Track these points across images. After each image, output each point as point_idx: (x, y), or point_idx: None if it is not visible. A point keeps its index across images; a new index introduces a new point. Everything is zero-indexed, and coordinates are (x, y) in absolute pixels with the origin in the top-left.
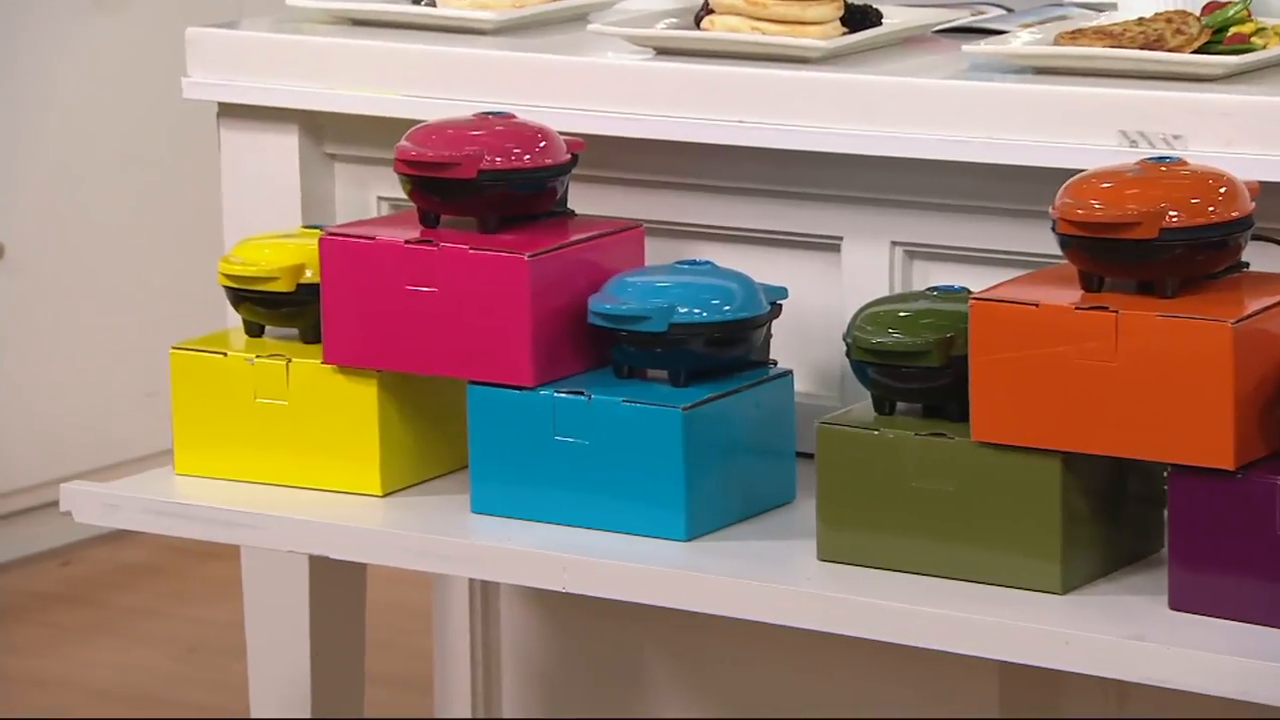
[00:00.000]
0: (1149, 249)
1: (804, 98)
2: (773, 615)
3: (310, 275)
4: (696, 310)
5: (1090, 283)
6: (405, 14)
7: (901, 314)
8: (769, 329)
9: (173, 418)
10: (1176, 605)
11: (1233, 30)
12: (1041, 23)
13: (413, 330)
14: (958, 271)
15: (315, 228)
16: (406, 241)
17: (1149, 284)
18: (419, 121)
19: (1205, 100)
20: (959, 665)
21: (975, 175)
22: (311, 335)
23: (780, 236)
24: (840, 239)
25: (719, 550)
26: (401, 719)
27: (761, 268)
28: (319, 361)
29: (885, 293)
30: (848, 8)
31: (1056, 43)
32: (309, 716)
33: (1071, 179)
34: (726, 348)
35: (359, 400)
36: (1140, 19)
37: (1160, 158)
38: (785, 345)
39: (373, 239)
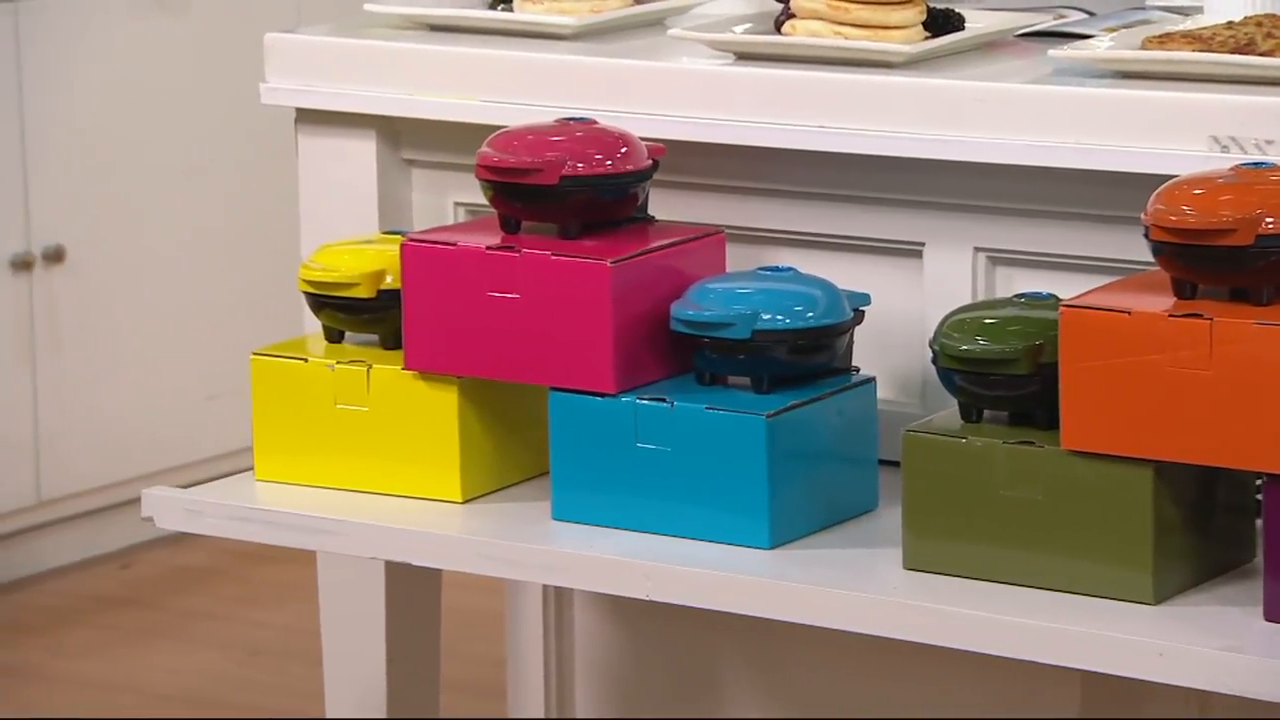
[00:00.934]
0: (1244, 256)
1: (886, 103)
2: (860, 624)
3: (391, 281)
4: (780, 317)
5: (1183, 290)
6: (482, 19)
7: (988, 321)
8: (852, 336)
9: (253, 423)
10: (1272, 616)
11: None
12: (1125, 26)
13: (494, 336)
14: (1040, 278)
15: (395, 233)
16: (488, 248)
17: (1243, 291)
18: (496, 127)
19: None
20: (1039, 668)
21: (1060, 180)
22: (391, 341)
23: (862, 242)
24: (922, 245)
25: (803, 559)
26: None
27: (842, 274)
28: (399, 368)
29: (967, 299)
30: (930, 12)
31: (1144, 47)
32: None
33: (1164, 185)
34: (810, 354)
35: (439, 406)
36: (1229, 23)
37: (1254, 163)
38: (866, 351)
39: (454, 245)
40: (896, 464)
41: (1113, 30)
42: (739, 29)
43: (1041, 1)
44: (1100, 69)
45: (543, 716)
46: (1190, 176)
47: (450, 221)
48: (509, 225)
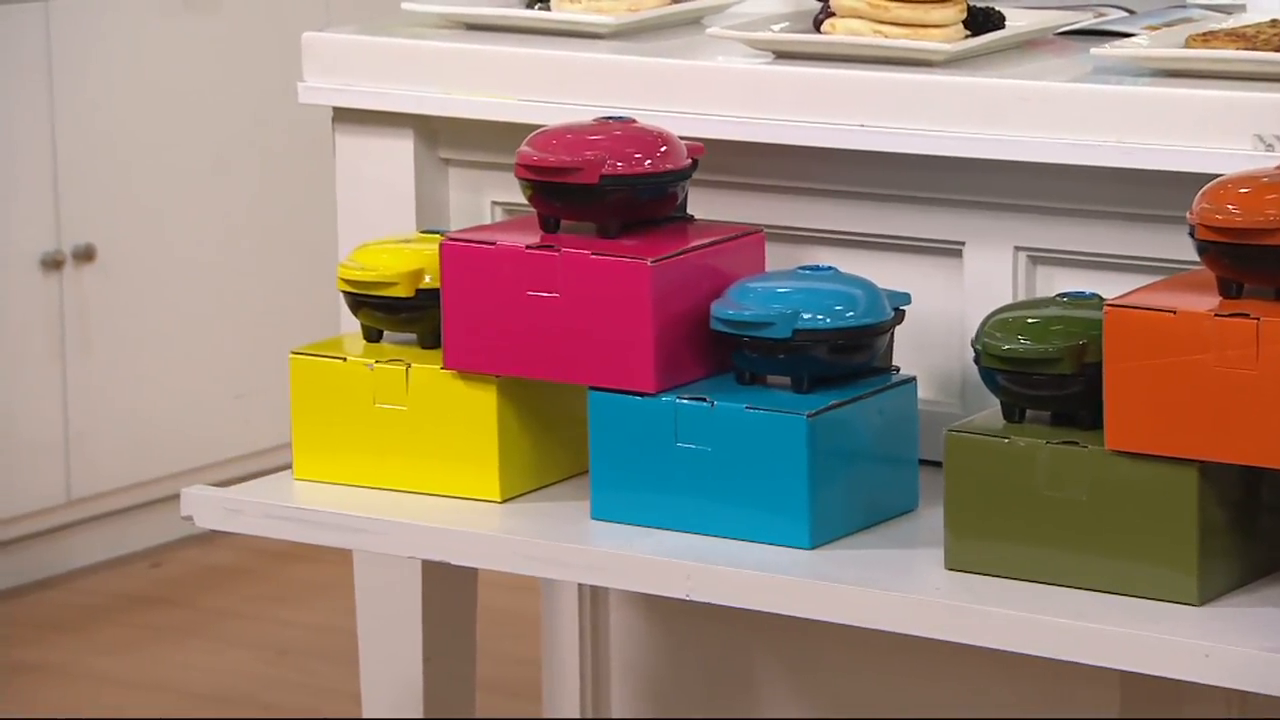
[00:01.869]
0: None
1: (926, 101)
2: (902, 625)
3: (429, 280)
4: (820, 316)
5: (1228, 289)
6: (520, 18)
7: (1031, 320)
8: (892, 335)
9: (292, 422)
10: None
11: None
12: (1167, 24)
13: (533, 335)
14: (1081, 277)
15: (433, 232)
16: (528, 247)
17: None
18: (534, 126)
19: None
20: (1077, 668)
21: (1102, 180)
22: (430, 340)
23: (901, 241)
24: (962, 244)
25: (844, 559)
26: None
27: (882, 273)
28: (438, 367)
29: (1007, 299)
30: (970, 11)
31: (1187, 45)
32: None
33: (1209, 184)
34: (850, 354)
35: (478, 406)
36: (1274, 21)
37: None
38: (906, 351)
39: (493, 244)
40: (936, 464)
41: (1154, 28)
42: (777, 27)
43: (1082, 0)
44: (1142, 67)
45: (578, 716)
46: (1235, 175)
47: (487, 221)
48: (548, 224)
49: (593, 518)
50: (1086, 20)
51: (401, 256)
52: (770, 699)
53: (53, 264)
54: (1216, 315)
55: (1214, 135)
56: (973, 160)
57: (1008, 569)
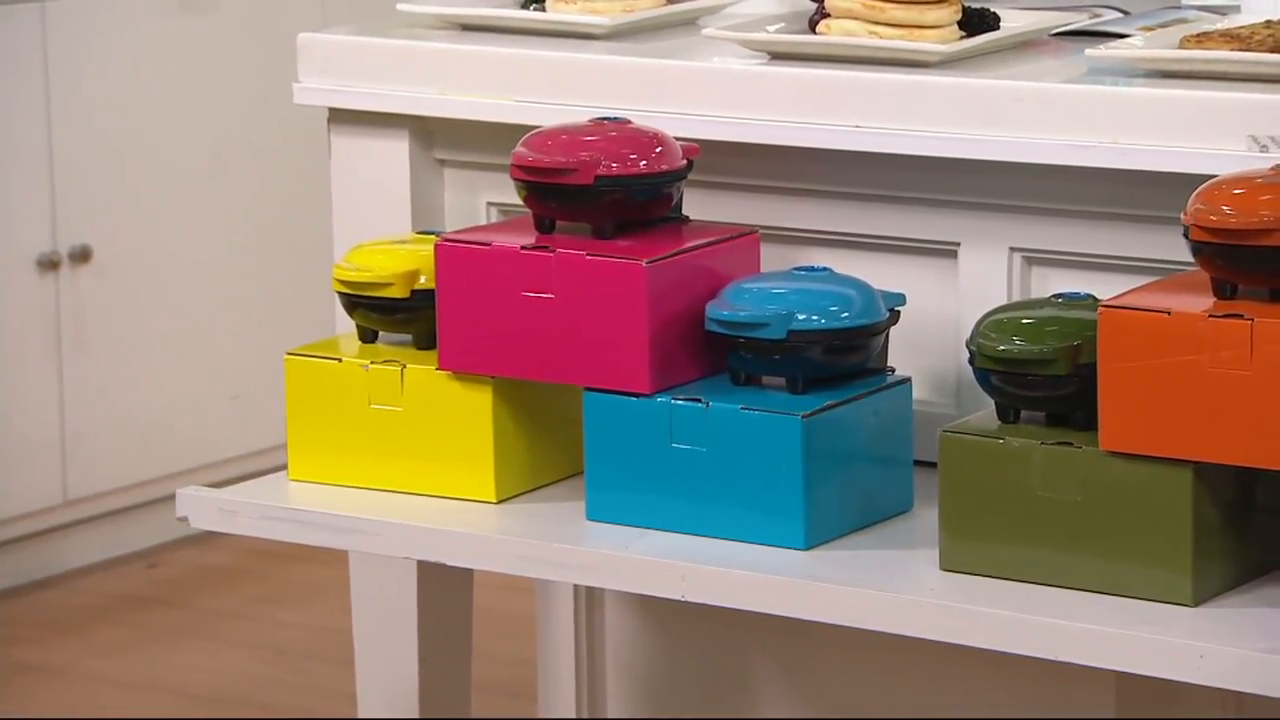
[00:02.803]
0: None
1: (922, 102)
2: (897, 626)
3: (424, 281)
4: (815, 317)
5: (1222, 290)
6: (515, 19)
7: (1026, 321)
8: (887, 336)
9: (287, 423)
10: None
11: None
12: (1162, 25)
13: (528, 336)
14: (1077, 278)
15: (428, 233)
16: (523, 248)
17: None
18: (529, 127)
19: None
20: (1073, 668)
21: (1097, 180)
22: (425, 341)
23: (897, 242)
24: (957, 245)
25: (839, 559)
26: None
27: (877, 274)
28: (433, 368)
29: (1002, 299)
30: (965, 11)
31: (1182, 46)
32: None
33: (1204, 185)
34: (845, 355)
35: (474, 406)
36: (1268, 21)
37: None
38: (901, 351)
39: (488, 245)
40: (931, 465)
41: (1149, 29)
42: (773, 28)
43: (1076, 1)
44: (1137, 68)
45: (574, 717)
46: (1230, 176)
47: (483, 221)
48: (543, 225)
49: (588, 518)
50: (1081, 21)
51: (397, 257)
52: (766, 699)
53: (49, 265)
54: (1211, 316)
55: (1208, 136)
56: (968, 161)
57: (1002, 569)
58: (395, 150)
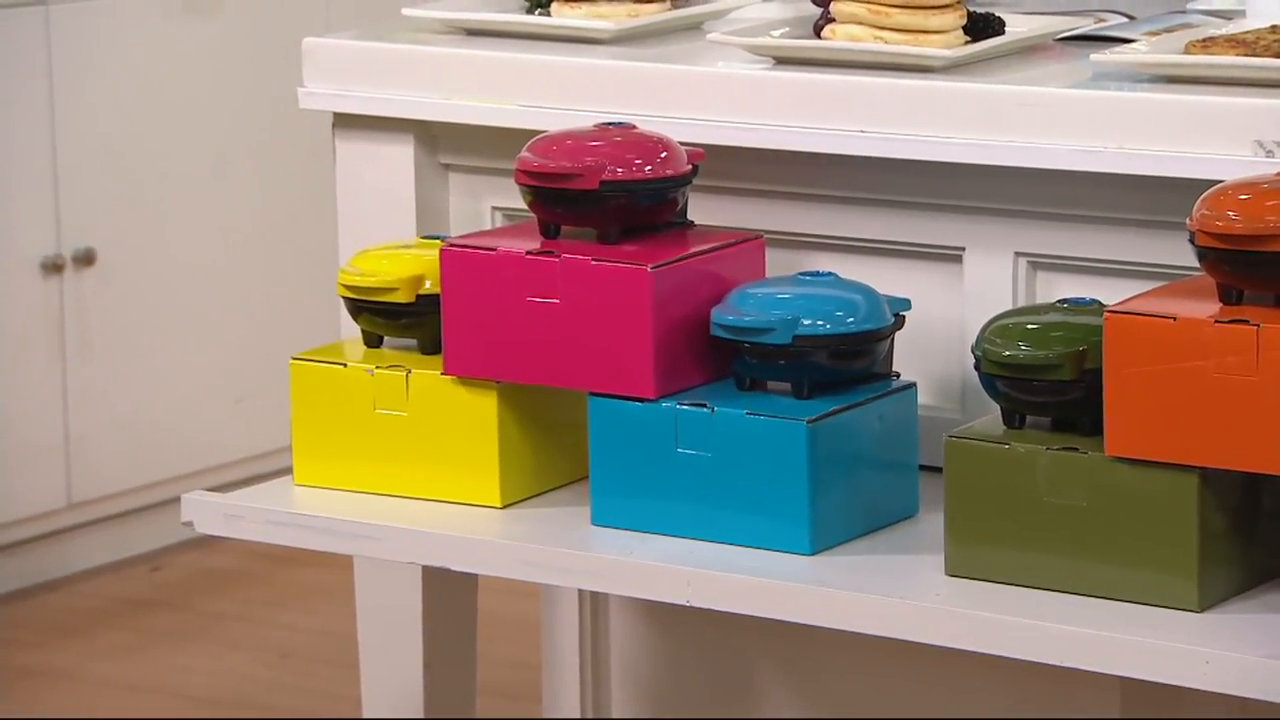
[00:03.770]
0: None
1: (927, 107)
2: (902, 631)
3: (429, 286)
4: (820, 322)
5: (1228, 296)
6: (520, 23)
7: (1031, 326)
8: (892, 341)
9: (292, 428)
10: None
11: None
12: (1166, 30)
13: (533, 341)
14: (1082, 283)
15: (433, 238)
16: (528, 253)
17: None
18: (535, 131)
19: None
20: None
21: (1102, 185)
22: (430, 346)
23: (902, 247)
24: (962, 250)
25: (844, 565)
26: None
27: (882, 278)
28: (438, 372)
29: (1007, 305)
30: (970, 16)
31: (1187, 51)
32: None
33: (1209, 190)
34: (850, 360)
35: (479, 411)
36: (1273, 27)
37: None
38: (906, 356)
39: (494, 250)
40: (937, 470)
41: (1154, 34)
42: (777, 33)
43: (1081, 5)
44: (1142, 73)
45: (579, 717)
46: (1235, 181)
47: (487, 226)
48: (548, 230)
49: (593, 523)
50: (1086, 26)
51: (402, 262)
52: (770, 703)
53: (53, 268)
54: (1217, 321)
55: (1214, 141)
56: (973, 166)
57: (1008, 575)
58: (400, 155)
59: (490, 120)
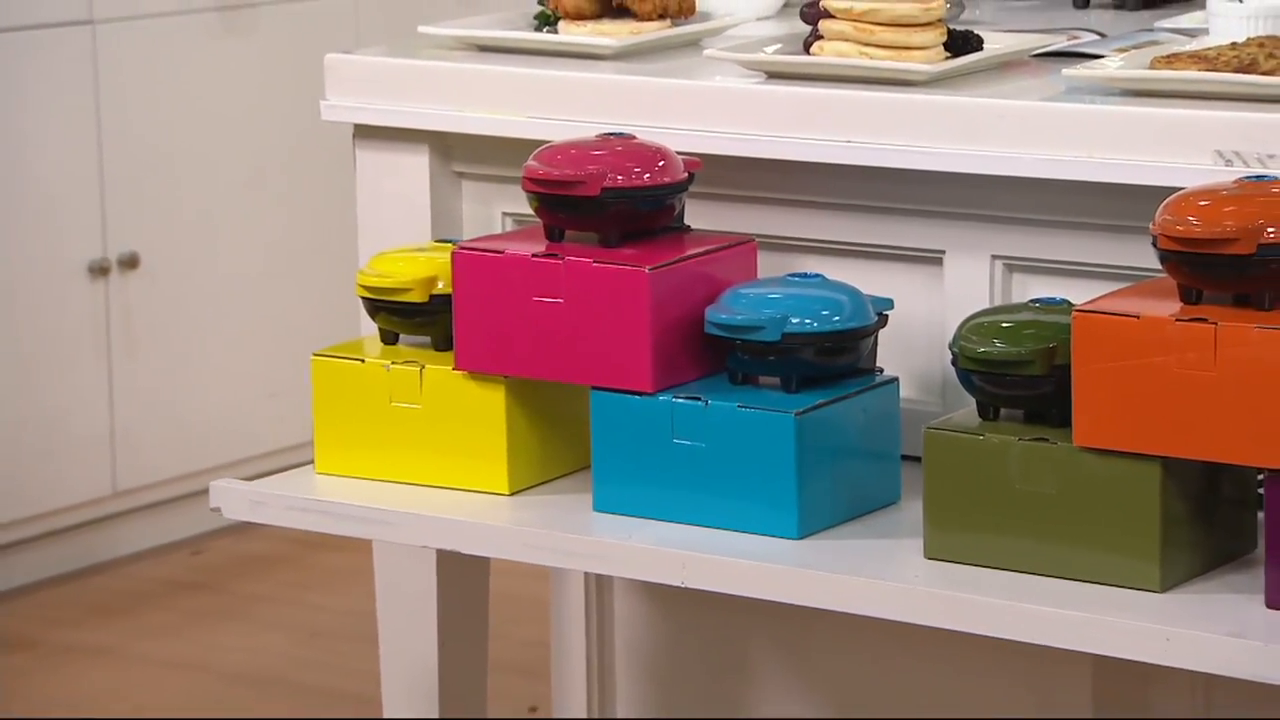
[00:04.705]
0: (1246, 263)
1: (909, 119)
2: (883, 610)
3: (442, 287)
4: (808, 321)
5: (1189, 296)
6: (529, 40)
7: (1005, 325)
8: (876, 338)
9: (313, 420)
10: (1273, 604)
11: None
12: (1135, 47)
13: (539, 338)
14: (1055, 284)
15: (446, 242)
16: (534, 255)
17: (1245, 297)
18: (542, 142)
19: None
20: (1055, 664)
21: (1074, 192)
22: (443, 343)
23: (885, 250)
24: (943, 253)
25: (829, 548)
26: None
27: (867, 280)
28: (450, 368)
29: (985, 304)
30: (951, 34)
31: (1153, 67)
32: (437, 699)
33: (1171, 197)
34: (836, 356)
35: (488, 404)
36: (1233, 44)
37: (1256, 176)
38: (889, 353)
39: (502, 253)
40: (917, 459)
41: (1123, 51)
42: (770, 50)
43: (1055, 24)
44: (1111, 87)
45: (584, 694)
46: (1196, 189)
47: (498, 230)
48: (553, 234)
49: (595, 510)
50: (1060, 43)
51: (416, 264)
52: (764, 678)
53: (99, 271)
54: (1177, 320)
55: (1177, 151)
56: (953, 174)
57: (983, 558)
58: (416, 164)
59: (500, 131)
